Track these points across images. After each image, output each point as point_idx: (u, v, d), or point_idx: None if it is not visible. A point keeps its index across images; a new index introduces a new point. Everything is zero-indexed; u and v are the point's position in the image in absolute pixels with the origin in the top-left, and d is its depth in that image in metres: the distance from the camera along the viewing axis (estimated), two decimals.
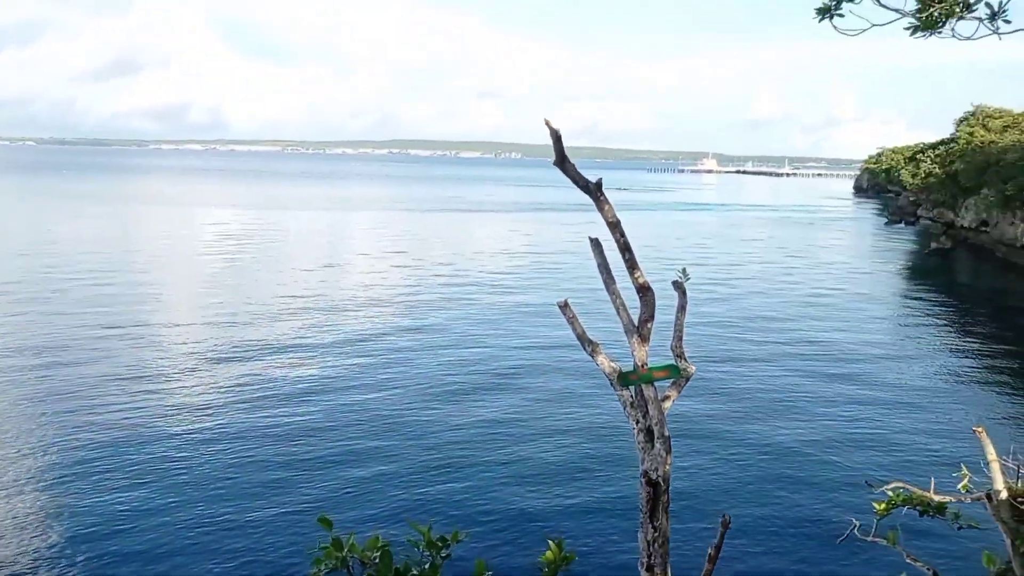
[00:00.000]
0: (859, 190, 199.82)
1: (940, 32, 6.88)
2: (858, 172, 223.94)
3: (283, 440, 21.13)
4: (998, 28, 6.75)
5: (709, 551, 6.01)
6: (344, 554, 3.37)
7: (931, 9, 6.41)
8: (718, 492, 18.47)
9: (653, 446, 6.04)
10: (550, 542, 3.81)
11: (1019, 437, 18.87)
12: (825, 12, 6.90)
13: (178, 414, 22.93)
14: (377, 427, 22.50)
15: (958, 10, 6.64)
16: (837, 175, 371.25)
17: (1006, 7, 6.60)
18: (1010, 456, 6.65)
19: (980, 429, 6.40)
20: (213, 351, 29.96)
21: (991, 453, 6.19)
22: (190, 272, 50.01)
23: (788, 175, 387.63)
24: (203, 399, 24.36)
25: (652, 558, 5.75)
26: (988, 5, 6.67)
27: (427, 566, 3.49)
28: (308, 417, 23.04)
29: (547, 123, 6.05)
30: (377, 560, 3.39)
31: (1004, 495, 5.91)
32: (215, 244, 62.96)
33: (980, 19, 6.69)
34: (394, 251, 62.48)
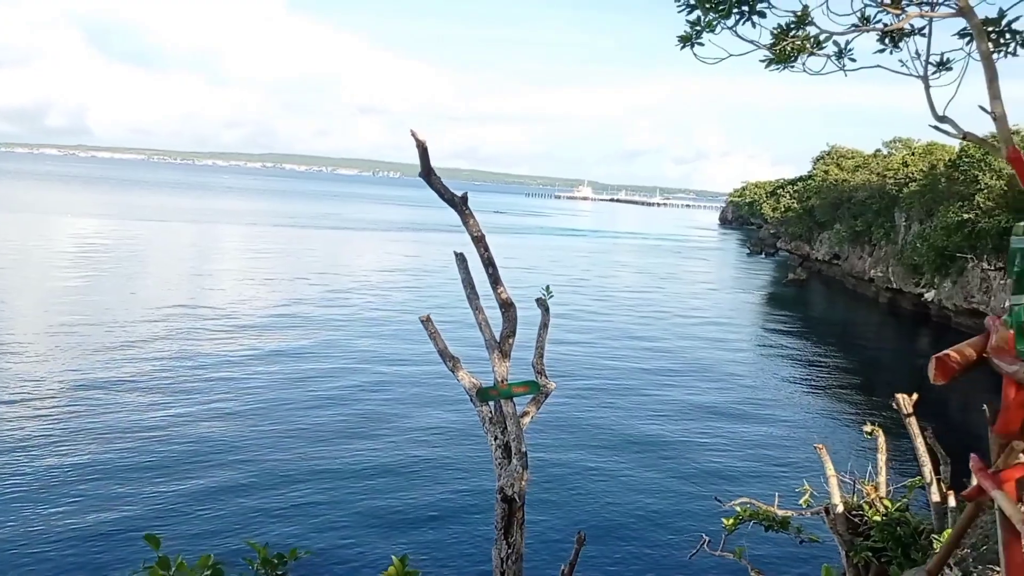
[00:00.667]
0: (724, 221, 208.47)
1: (793, 67, 7.31)
2: (724, 204, 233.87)
3: (119, 452, 20.11)
4: (844, 66, 7.24)
5: (563, 568, 6.06)
6: (171, 574, 3.17)
7: (783, 44, 6.79)
8: (575, 509, 18.64)
9: (510, 462, 6.06)
10: (393, 558, 3.73)
11: (857, 454, 20.05)
12: (687, 40, 7.20)
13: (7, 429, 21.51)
14: (225, 440, 21.77)
15: (808, 46, 7.07)
16: (704, 206, 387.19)
17: (851, 47, 7.07)
18: (847, 472, 7.06)
19: (820, 447, 6.76)
20: (52, 370, 27.99)
21: (830, 469, 6.54)
22: (38, 284, 46.73)
23: (659, 205, 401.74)
24: (37, 414, 22.88)
25: (505, 575, 5.73)
26: (836, 44, 7.13)
27: None
28: (150, 427, 22.17)
29: (413, 134, 6.01)
30: None
31: (840, 509, 6.25)
32: (68, 255, 58.94)
33: (828, 56, 7.16)
34: (263, 267, 60.47)
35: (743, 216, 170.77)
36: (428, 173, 5.91)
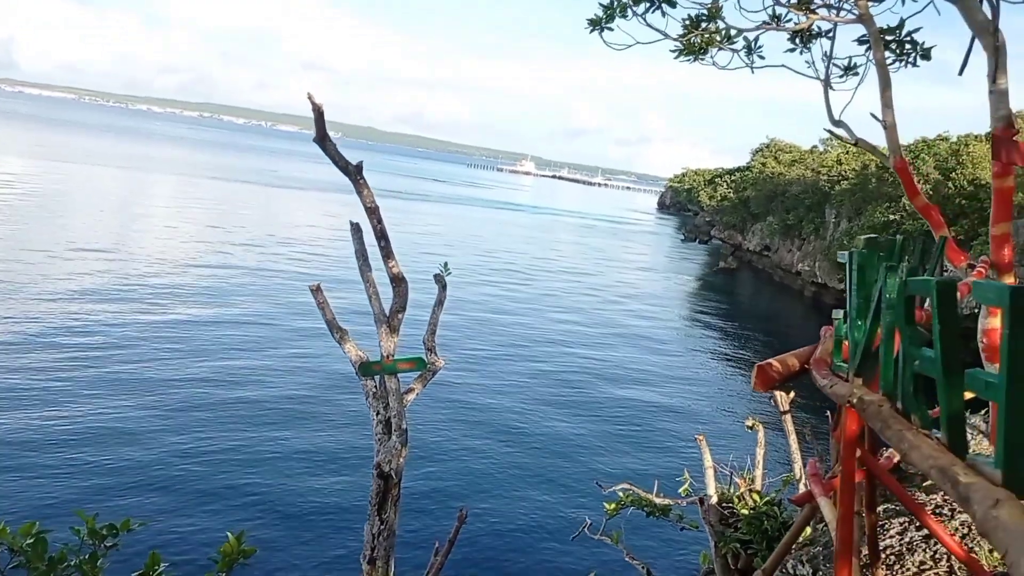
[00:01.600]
0: (662, 206, 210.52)
1: (702, 59, 7.33)
2: (663, 189, 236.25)
3: None
4: (753, 62, 7.28)
5: (436, 546, 6.05)
6: None
7: (692, 36, 6.79)
8: (459, 487, 18.52)
9: (390, 438, 6.01)
10: (229, 535, 3.62)
11: (736, 444, 20.43)
12: (596, 24, 7.15)
13: None
14: (83, 408, 20.42)
15: (718, 40, 7.08)
16: (644, 190, 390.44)
17: (760, 44, 7.11)
18: (729, 463, 7.19)
19: (700, 436, 6.87)
20: None
21: (707, 459, 6.65)
22: None
23: (600, 185, 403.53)
24: None
25: (375, 551, 5.68)
26: (746, 39, 7.17)
27: (87, 556, 3.21)
28: (23, 389, 20.92)
29: (310, 98, 5.84)
30: (29, 548, 3.08)
31: (714, 500, 6.36)
32: None
33: (737, 52, 7.19)
34: (189, 220, 58.59)
35: (681, 202, 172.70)
36: (323, 138, 5.75)
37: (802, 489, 6.04)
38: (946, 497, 5.09)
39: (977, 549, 4.22)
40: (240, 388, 23.34)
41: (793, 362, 2.64)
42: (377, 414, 6.03)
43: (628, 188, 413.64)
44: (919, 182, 48.64)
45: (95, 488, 15.91)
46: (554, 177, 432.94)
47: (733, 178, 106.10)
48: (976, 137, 49.30)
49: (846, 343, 2.41)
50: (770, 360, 2.60)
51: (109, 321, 28.22)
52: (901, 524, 4.65)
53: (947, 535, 3.30)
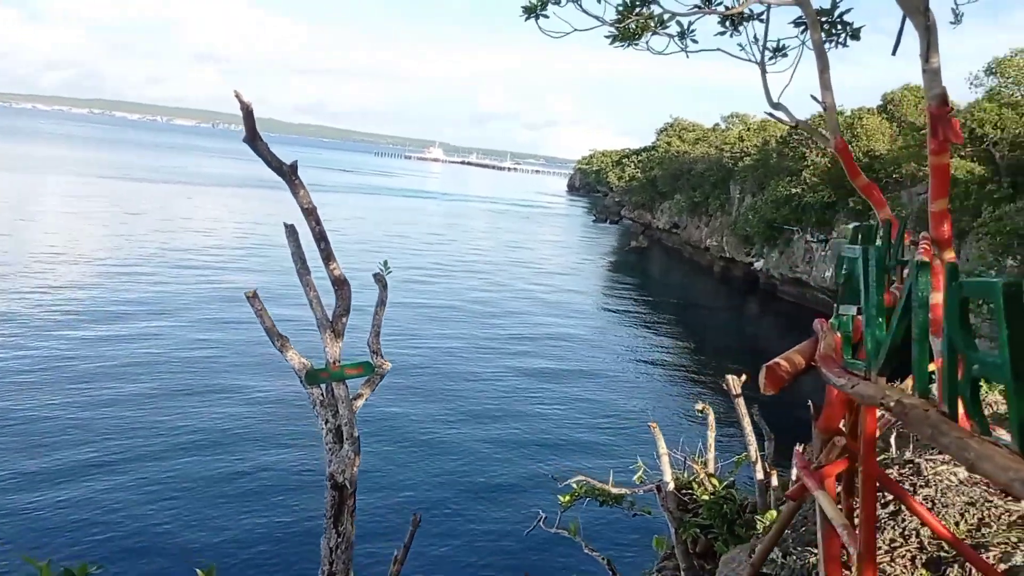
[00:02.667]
0: (572, 188, 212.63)
1: (637, 44, 7.28)
2: (572, 171, 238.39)
3: None
4: (687, 47, 7.28)
5: (396, 553, 5.88)
6: None
7: (628, 21, 6.73)
8: (410, 489, 18.23)
9: (342, 447, 5.80)
10: (198, 572, 3.39)
11: (688, 430, 20.73)
12: (531, 12, 7.02)
13: None
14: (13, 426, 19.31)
15: (652, 25, 7.05)
16: (554, 173, 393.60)
17: (694, 29, 7.10)
18: (679, 447, 7.24)
19: (654, 424, 6.89)
20: None
21: (662, 447, 6.67)
22: None
23: (510, 169, 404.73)
24: None
25: (334, 565, 5.48)
26: (679, 24, 7.16)
27: None
28: None
29: (237, 96, 5.54)
30: None
31: (671, 487, 6.39)
32: None
33: (672, 36, 7.17)
34: (84, 222, 55.38)
35: (590, 183, 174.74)
36: (253, 137, 5.47)
37: (760, 474, 6.13)
38: (902, 472, 5.21)
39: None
40: (176, 408, 21.98)
41: (799, 360, 2.58)
42: (326, 423, 5.80)
43: (538, 172, 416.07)
44: (818, 155, 50.50)
45: (36, 530, 14.80)
46: (463, 163, 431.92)
47: (640, 158, 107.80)
48: (868, 110, 51.27)
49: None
50: (777, 360, 2.54)
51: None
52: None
53: (934, 519, 3.32)
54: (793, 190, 52.28)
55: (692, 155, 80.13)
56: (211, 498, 16.79)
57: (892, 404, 1.92)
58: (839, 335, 2.69)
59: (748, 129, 73.05)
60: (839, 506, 3.31)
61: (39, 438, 18.89)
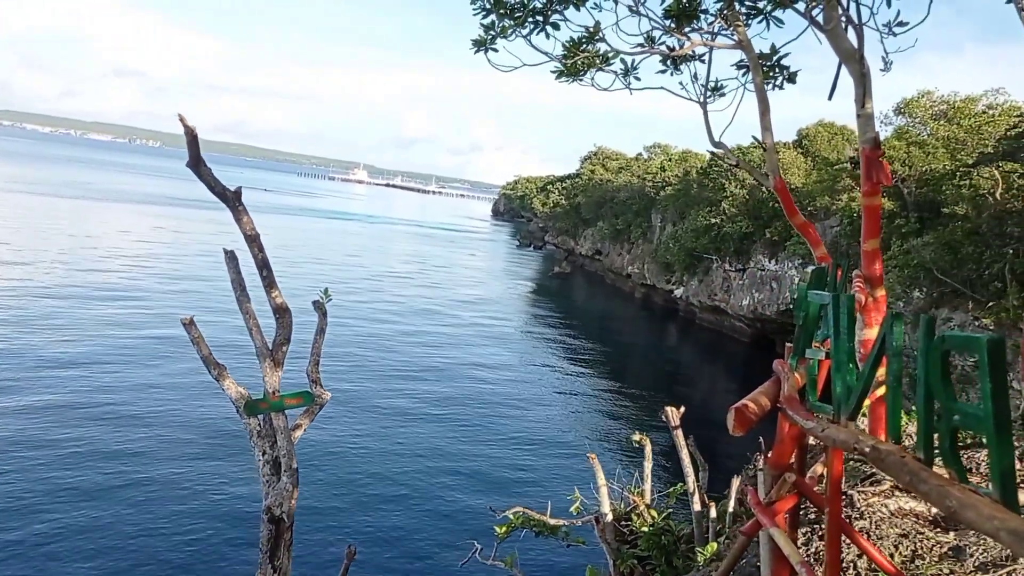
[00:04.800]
0: (497, 213, 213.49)
1: (582, 80, 7.41)
2: (497, 196, 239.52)
3: None
4: (630, 84, 7.44)
5: None
6: None
7: (575, 59, 6.85)
8: (345, 520, 17.84)
9: (279, 479, 5.65)
10: None
11: (624, 460, 20.84)
12: (480, 45, 7.08)
13: None
14: None
15: (598, 62, 7.18)
16: (478, 197, 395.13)
17: (637, 66, 7.27)
18: (615, 479, 7.30)
19: (592, 456, 6.93)
20: None
21: (600, 478, 6.72)
22: None
23: (435, 193, 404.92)
24: None
25: None
26: (623, 62, 7.31)
27: None
28: None
29: (182, 120, 5.41)
30: None
31: (610, 518, 6.43)
32: None
33: (616, 73, 7.32)
34: None
35: (515, 209, 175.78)
36: (197, 163, 5.34)
37: (698, 505, 6.21)
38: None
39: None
40: (100, 440, 20.95)
41: (764, 401, 2.64)
42: (264, 454, 5.66)
43: (462, 196, 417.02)
44: (736, 186, 51.98)
45: None
46: (388, 185, 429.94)
47: (564, 185, 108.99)
48: (785, 144, 53.09)
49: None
50: (744, 402, 2.59)
51: None
52: (804, 535, 4.83)
53: (877, 552, 3.43)
54: (712, 220, 53.65)
55: (615, 183, 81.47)
56: (139, 534, 16.05)
57: (867, 449, 1.98)
58: (799, 376, 2.77)
59: (670, 159, 74.73)
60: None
61: None
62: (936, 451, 1.82)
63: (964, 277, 24.88)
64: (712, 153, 5.91)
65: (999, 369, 1.57)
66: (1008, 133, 28.56)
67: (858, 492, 5.38)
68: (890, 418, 2.00)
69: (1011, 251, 23.37)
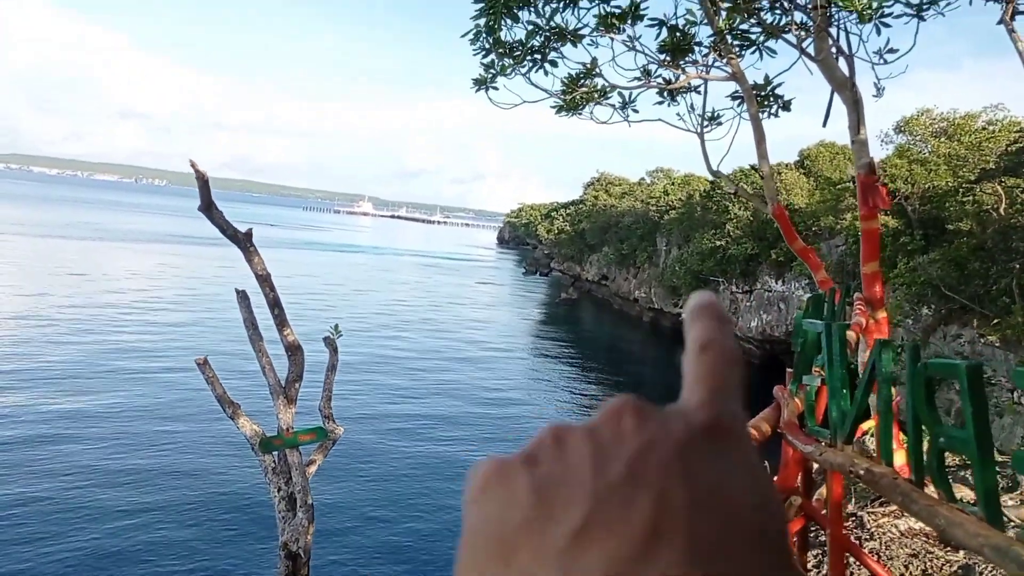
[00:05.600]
0: (502, 241, 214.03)
1: (580, 114, 7.57)
2: (501, 224, 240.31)
3: None
4: (628, 116, 7.59)
5: None
6: None
7: (573, 94, 7.01)
8: (368, 558, 17.45)
9: (295, 515, 5.73)
10: None
11: None
12: (481, 83, 7.24)
13: None
14: None
15: (596, 96, 7.34)
16: (483, 226, 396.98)
17: (635, 99, 7.42)
18: None
19: None
20: None
21: None
22: None
23: (440, 223, 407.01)
24: None
25: None
26: (620, 95, 7.47)
27: None
28: None
29: (193, 165, 5.56)
30: None
31: None
32: None
33: (614, 107, 7.48)
34: (16, 283, 53.24)
35: (520, 236, 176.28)
36: (209, 207, 5.48)
37: None
38: (846, 525, 5.40)
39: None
40: (118, 479, 20.97)
41: (765, 428, 2.73)
42: (279, 490, 5.74)
43: (467, 225, 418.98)
44: (741, 208, 52.11)
45: None
46: (393, 217, 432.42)
47: (568, 211, 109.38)
48: (787, 166, 53.32)
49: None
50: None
51: None
52: (816, 557, 4.87)
53: (886, 573, 3.49)
54: (717, 242, 53.76)
55: (619, 208, 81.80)
56: (157, 572, 16.05)
57: (862, 472, 2.07)
58: (799, 401, 2.85)
59: (672, 183, 75.03)
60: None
61: None
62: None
63: (972, 293, 24.89)
64: (711, 183, 6.02)
65: (979, 393, 1.66)
66: (1009, 149, 28.70)
67: (868, 513, 5.43)
68: (881, 441, 2.08)
69: (1018, 266, 23.39)
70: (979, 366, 1.69)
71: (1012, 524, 1.68)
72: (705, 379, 0.47)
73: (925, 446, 1.94)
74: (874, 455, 2.33)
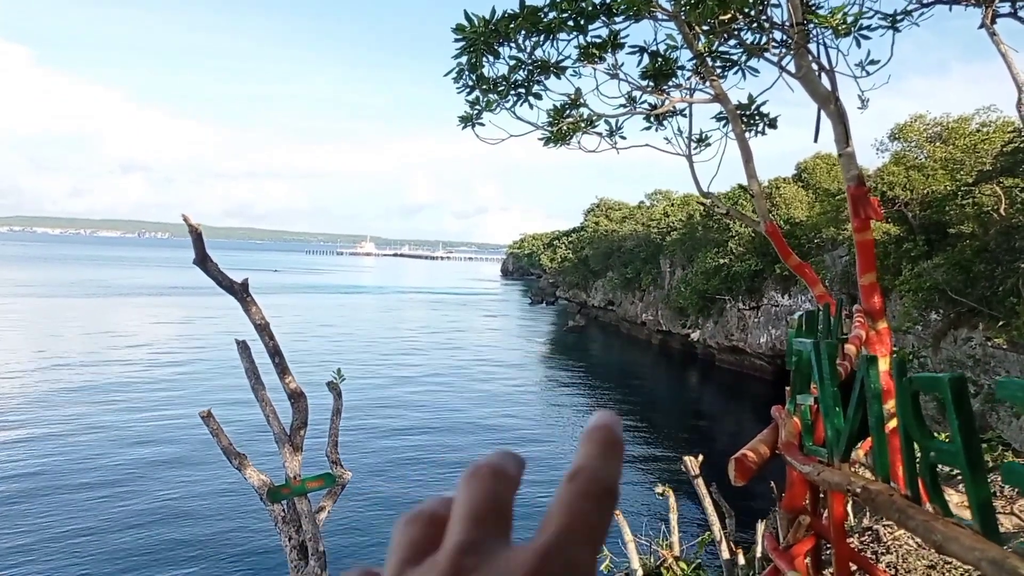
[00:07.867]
0: (506, 273, 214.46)
1: (568, 144, 7.62)
2: (504, 256, 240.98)
3: None
4: (616, 143, 7.64)
5: None
6: None
7: (560, 125, 7.07)
8: None
9: (307, 563, 5.68)
10: None
11: (647, 512, 20.52)
12: (467, 121, 7.31)
13: None
14: None
15: (583, 126, 7.40)
16: (486, 258, 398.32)
17: (622, 125, 7.47)
18: (642, 533, 7.27)
19: (618, 512, 6.94)
20: None
21: (627, 534, 6.70)
22: None
23: (443, 258, 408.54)
24: None
25: None
26: (607, 123, 7.52)
27: None
28: None
29: (186, 220, 5.60)
30: None
31: (640, 574, 6.41)
32: None
33: (601, 135, 7.53)
34: (22, 342, 53.61)
35: (523, 267, 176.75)
36: (203, 260, 5.51)
37: (726, 553, 6.18)
38: (863, 539, 5.35)
39: None
40: (126, 534, 20.95)
41: (764, 449, 2.71)
42: (289, 539, 5.70)
43: (470, 258, 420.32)
44: (741, 225, 52.14)
45: None
46: (396, 255, 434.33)
47: (570, 239, 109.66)
48: (785, 180, 53.47)
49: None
50: (744, 451, 2.66)
51: None
52: (830, 573, 4.81)
53: None
54: (721, 260, 53.76)
55: (621, 233, 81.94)
56: None
57: (858, 490, 2.06)
58: (797, 420, 2.84)
59: (672, 204, 75.17)
60: None
61: None
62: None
63: (979, 295, 24.80)
64: (701, 204, 6.03)
65: (965, 405, 1.65)
66: (1004, 149, 28.76)
67: (883, 526, 5.37)
68: (876, 457, 2.07)
69: (1022, 265, 23.32)
70: (962, 378, 1.68)
71: (1014, 541, 1.67)
72: (560, 514, 0.45)
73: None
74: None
